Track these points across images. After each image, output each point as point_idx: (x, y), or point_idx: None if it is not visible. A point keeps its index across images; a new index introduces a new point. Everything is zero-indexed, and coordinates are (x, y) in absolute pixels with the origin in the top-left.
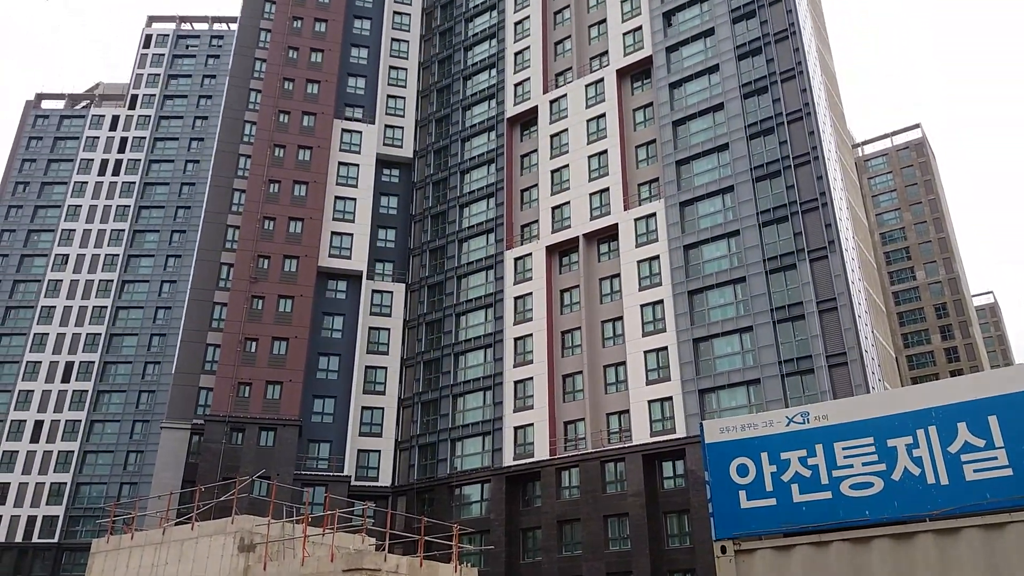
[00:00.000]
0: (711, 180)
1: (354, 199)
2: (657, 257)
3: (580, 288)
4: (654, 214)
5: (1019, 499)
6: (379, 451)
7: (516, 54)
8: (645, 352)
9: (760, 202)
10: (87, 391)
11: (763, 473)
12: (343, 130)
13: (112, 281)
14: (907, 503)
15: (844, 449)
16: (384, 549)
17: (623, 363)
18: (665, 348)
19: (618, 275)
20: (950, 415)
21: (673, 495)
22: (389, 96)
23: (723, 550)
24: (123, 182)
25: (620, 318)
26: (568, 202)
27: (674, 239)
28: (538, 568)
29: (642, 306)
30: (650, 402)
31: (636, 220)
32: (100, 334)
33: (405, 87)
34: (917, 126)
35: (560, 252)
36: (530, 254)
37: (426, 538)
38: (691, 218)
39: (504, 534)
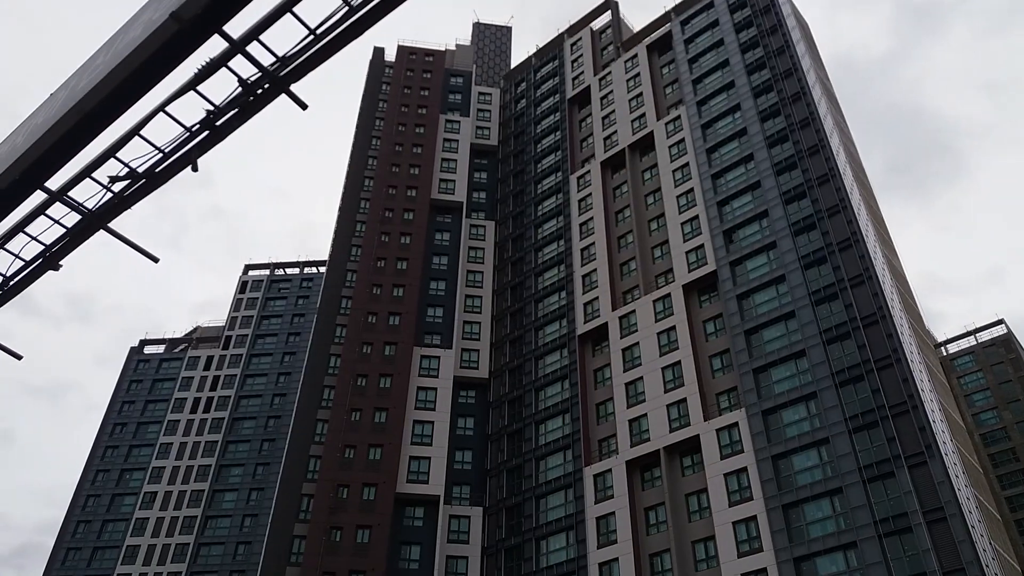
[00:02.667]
0: (792, 387)
1: (432, 422)
2: (744, 469)
3: (666, 505)
4: (736, 424)
5: None
6: None
7: (584, 276)
8: (743, 574)
9: (847, 407)
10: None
11: None
12: (422, 356)
13: (196, 517)
14: None
15: None
16: None
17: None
18: (764, 569)
19: (705, 490)
20: None
21: None
22: (465, 322)
23: None
24: (212, 418)
25: (712, 537)
26: (645, 414)
27: (760, 449)
28: None
29: (734, 523)
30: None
31: (718, 431)
32: (181, 573)
33: (480, 312)
34: (1001, 322)
35: (641, 467)
36: (610, 470)
37: None
38: (776, 427)
39: None
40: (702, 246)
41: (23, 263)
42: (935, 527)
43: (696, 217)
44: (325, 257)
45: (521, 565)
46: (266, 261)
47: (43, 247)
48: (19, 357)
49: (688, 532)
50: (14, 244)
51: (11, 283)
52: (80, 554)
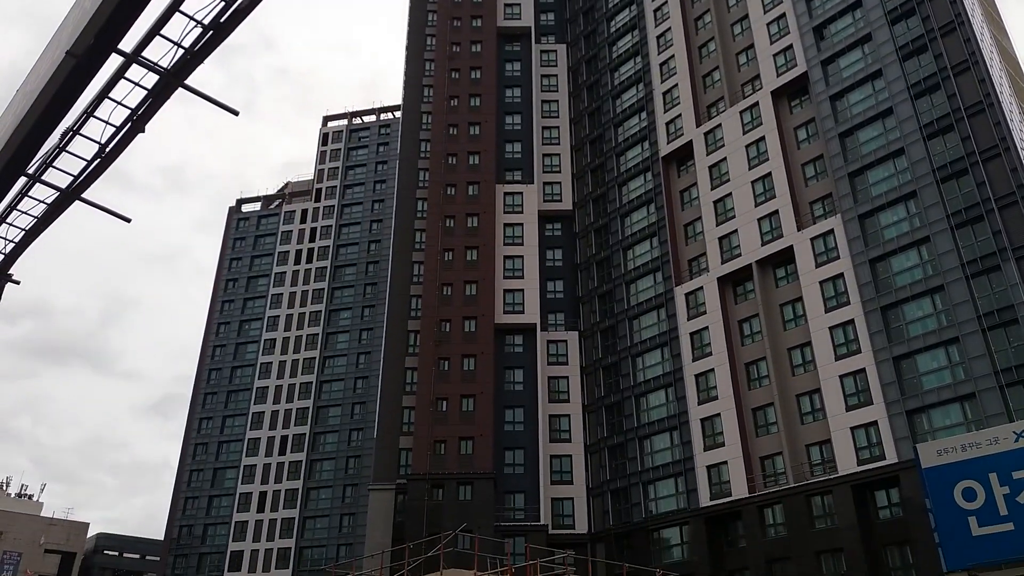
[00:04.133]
0: (890, 188)
1: (521, 256)
2: (841, 275)
3: (760, 317)
4: (831, 231)
5: None
6: (572, 498)
7: (664, 93)
8: (841, 376)
9: (949, 204)
10: (301, 461)
11: (994, 496)
12: (505, 193)
13: (314, 359)
14: None
15: None
16: None
17: (817, 390)
18: (863, 370)
19: (800, 299)
20: None
21: (891, 526)
22: (544, 155)
23: None
24: (316, 268)
25: (808, 343)
26: (735, 231)
27: (857, 254)
28: None
29: (831, 328)
30: (853, 429)
31: (812, 239)
32: (308, 408)
33: (559, 143)
34: None
35: (733, 282)
36: (701, 288)
37: None
38: (873, 230)
39: None
40: (790, 46)
41: (114, 128)
42: None
43: (783, 15)
44: (399, 101)
45: (619, 380)
46: (343, 111)
47: (129, 111)
48: (128, 220)
49: (783, 340)
50: (102, 112)
51: (107, 149)
52: (216, 398)
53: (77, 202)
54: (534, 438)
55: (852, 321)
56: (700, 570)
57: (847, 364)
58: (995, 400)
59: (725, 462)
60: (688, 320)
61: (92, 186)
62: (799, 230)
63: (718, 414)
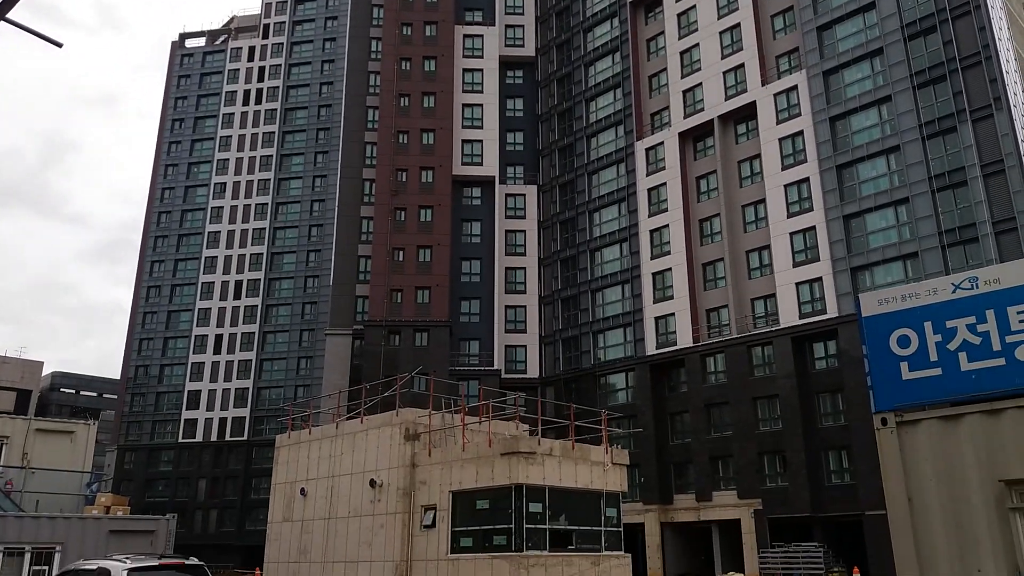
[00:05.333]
0: (857, 44)
1: (481, 105)
2: (801, 132)
3: (717, 173)
4: (795, 87)
5: None
6: (525, 346)
7: None
8: (791, 233)
9: (914, 62)
10: (256, 306)
11: (927, 343)
12: (464, 35)
13: (267, 204)
14: None
15: (1020, 313)
16: (537, 434)
17: (767, 247)
18: (813, 228)
19: (758, 156)
20: None
21: (825, 375)
22: None
23: (884, 422)
24: (266, 110)
25: (762, 200)
26: (700, 84)
27: (819, 111)
28: (687, 449)
29: (786, 186)
30: (798, 284)
31: (776, 95)
32: (262, 253)
33: None
34: None
35: (694, 138)
36: (662, 143)
37: (576, 423)
38: (836, 87)
39: (652, 418)
40: None
41: None
42: (992, 179)
43: None
44: None
45: (576, 235)
46: None
47: None
48: (59, 45)
49: (738, 197)
50: None
51: None
52: (167, 241)
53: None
54: (490, 289)
55: (807, 179)
56: (643, 412)
57: (798, 222)
58: (936, 259)
59: (673, 314)
60: (647, 176)
61: (15, 8)
62: (763, 85)
63: (669, 268)
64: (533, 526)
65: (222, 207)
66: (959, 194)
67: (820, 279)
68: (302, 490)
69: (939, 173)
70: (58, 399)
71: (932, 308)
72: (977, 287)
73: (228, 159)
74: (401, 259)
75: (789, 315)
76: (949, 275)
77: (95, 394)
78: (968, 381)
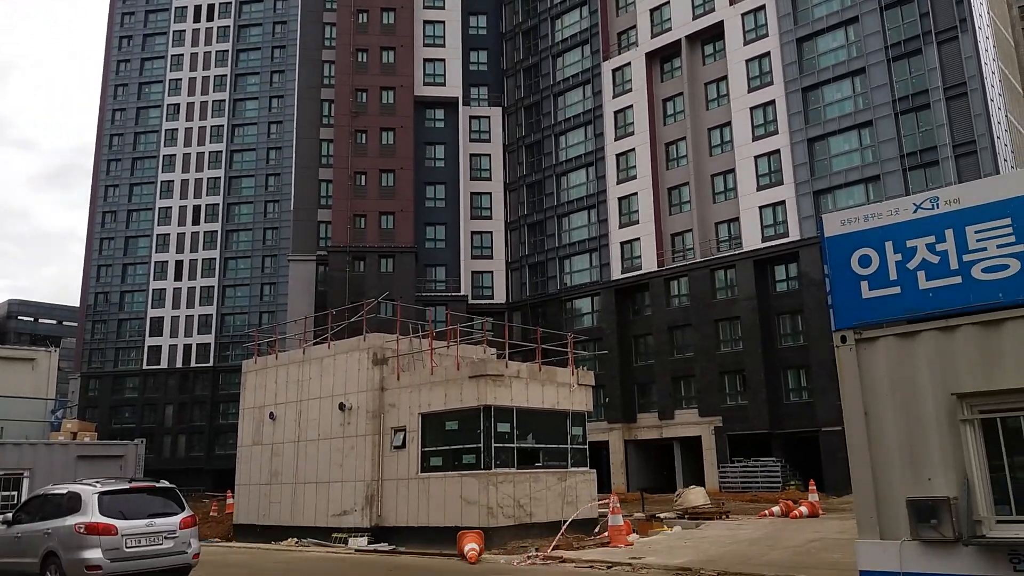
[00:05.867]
0: None
1: (443, 22)
2: (768, 54)
3: (684, 95)
4: (763, 6)
5: None
6: (491, 272)
7: None
8: (756, 157)
9: None
10: (216, 231)
11: (887, 262)
12: None
13: (223, 126)
14: None
15: (977, 232)
16: (504, 358)
17: (732, 170)
18: (777, 151)
19: (725, 77)
20: None
21: (785, 297)
22: None
23: (843, 339)
24: (219, 26)
25: (728, 123)
26: (667, 2)
27: (786, 32)
28: (650, 370)
29: (752, 108)
30: (761, 208)
31: (743, 15)
32: (219, 177)
33: None
34: None
35: (661, 59)
36: (629, 64)
37: (543, 346)
38: (804, 7)
39: (616, 341)
40: None
41: None
42: (954, 102)
43: None
44: None
45: (542, 159)
46: None
47: None
48: None
49: (705, 120)
50: None
51: None
52: (121, 165)
53: None
54: (456, 215)
55: (773, 102)
56: (608, 335)
57: (763, 145)
58: (898, 183)
59: (638, 238)
60: (613, 98)
61: None
62: (731, 4)
63: (635, 193)
64: (501, 445)
65: (176, 129)
66: (922, 117)
67: (783, 202)
68: (271, 414)
69: (903, 96)
70: (16, 327)
71: (893, 228)
72: (938, 207)
73: (180, 79)
74: (363, 183)
75: (752, 239)
76: (911, 196)
77: (54, 322)
78: (925, 299)
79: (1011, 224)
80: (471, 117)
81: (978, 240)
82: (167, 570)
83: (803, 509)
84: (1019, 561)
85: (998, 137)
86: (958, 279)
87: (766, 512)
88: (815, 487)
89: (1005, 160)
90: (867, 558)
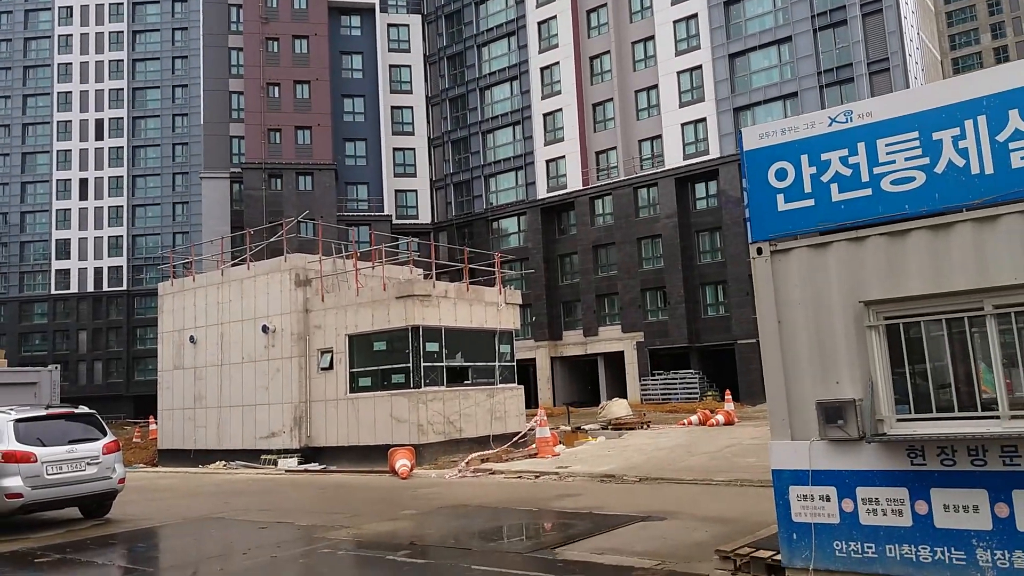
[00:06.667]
0: None
1: None
2: None
3: (608, 7)
4: None
5: None
6: (415, 190)
7: None
8: (678, 72)
9: None
10: (122, 147)
11: (802, 175)
12: None
13: (122, 32)
14: (948, 195)
15: (887, 145)
16: (432, 278)
17: (655, 86)
18: (699, 67)
19: None
20: (1002, 103)
21: (705, 215)
22: None
23: (759, 251)
24: None
25: (652, 37)
26: None
27: None
28: (576, 288)
29: (675, 22)
30: (683, 125)
31: None
32: (122, 89)
33: None
34: None
35: None
36: None
37: (470, 266)
38: None
39: (542, 260)
40: None
41: None
42: (870, 19)
43: None
44: None
45: (464, 72)
46: None
47: None
48: None
49: (629, 33)
50: None
51: None
52: (11, 74)
53: None
54: (376, 130)
55: (696, 15)
56: (534, 254)
57: (686, 60)
58: (814, 100)
59: (563, 156)
60: (537, 8)
61: None
62: None
63: (560, 109)
64: (430, 364)
65: (71, 35)
66: (839, 34)
67: (704, 119)
68: (191, 337)
69: (821, 12)
70: None
71: (809, 141)
72: (851, 121)
73: None
74: (277, 95)
75: (674, 156)
76: (827, 110)
77: None
78: (838, 211)
79: (918, 138)
80: (389, 25)
81: (888, 153)
82: (92, 496)
83: (720, 418)
84: (915, 455)
85: (910, 55)
86: (868, 191)
87: (685, 421)
88: (731, 397)
89: (916, 78)
90: (779, 458)
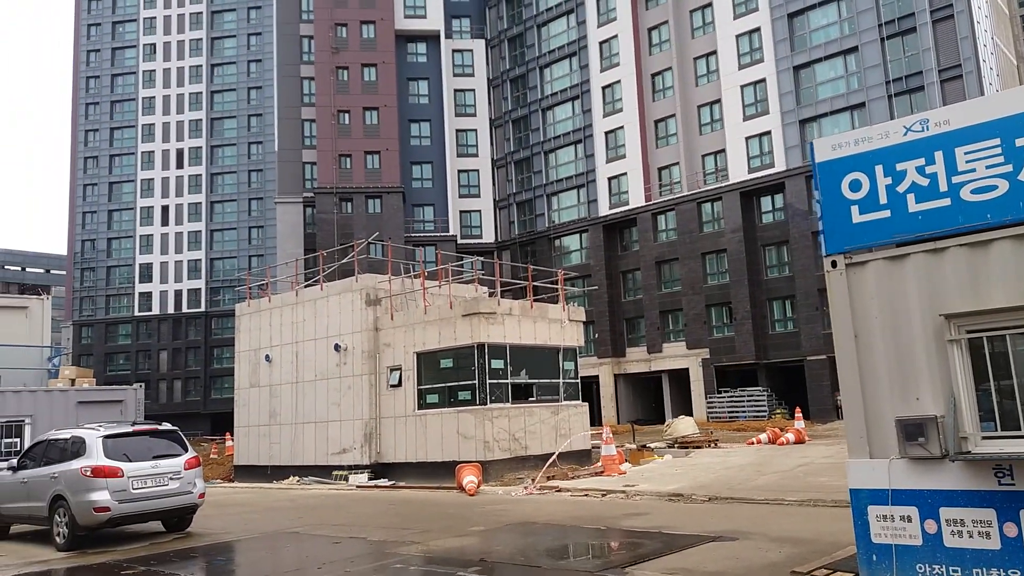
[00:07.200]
0: None
1: None
2: None
3: (669, 24)
4: None
5: None
6: (479, 211)
7: None
8: (742, 86)
9: None
10: (201, 175)
11: (877, 186)
12: None
13: (201, 66)
14: None
15: (966, 153)
16: (496, 295)
17: (718, 101)
18: (763, 80)
19: (710, 4)
20: None
21: (771, 228)
22: None
23: (833, 264)
24: None
25: (714, 52)
26: None
27: None
28: (639, 305)
29: (737, 36)
30: (747, 138)
31: None
32: (201, 120)
33: None
34: None
35: None
36: None
37: (534, 283)
38: None
39: (605, 276)
40: None
41: None
42: (940, 25)
43: None
44: None
45: (527, 93)
46: None
47: None
48: None
49: (690, 49)
50: None
51: None
52: (100, 108)
53: None
54: (441, 152)
55: (759, 29)
56: (596, 271)
57: (749, 74)
58: (883, 109)
59: (625, 173)
60: (598, 27)
61: None
62: None
63: (622, 126)
64: (496, 381)
65: (154, 70)
66: (908, 42)
67: (769, 132)
68: (267, 356)
69: (889, 20)
70: (4, 277)
71: (883, 151)
72: (928, 129)
73: (155, 16)
74: (347, 122)
75: (738, 170)
76: (901, 119)
77: (42, 270)
78: (915, 222)
79: (1000, 145)
80: (454, 51)
81: (967, 161)
82: (174, 510)
83: (790, 436)
84: (1003, 475)
85: (984, 60)
86: (947, 201)
87: (754, 440)
88: (801, 414)
89: (991, 84)
90: (857, 477)
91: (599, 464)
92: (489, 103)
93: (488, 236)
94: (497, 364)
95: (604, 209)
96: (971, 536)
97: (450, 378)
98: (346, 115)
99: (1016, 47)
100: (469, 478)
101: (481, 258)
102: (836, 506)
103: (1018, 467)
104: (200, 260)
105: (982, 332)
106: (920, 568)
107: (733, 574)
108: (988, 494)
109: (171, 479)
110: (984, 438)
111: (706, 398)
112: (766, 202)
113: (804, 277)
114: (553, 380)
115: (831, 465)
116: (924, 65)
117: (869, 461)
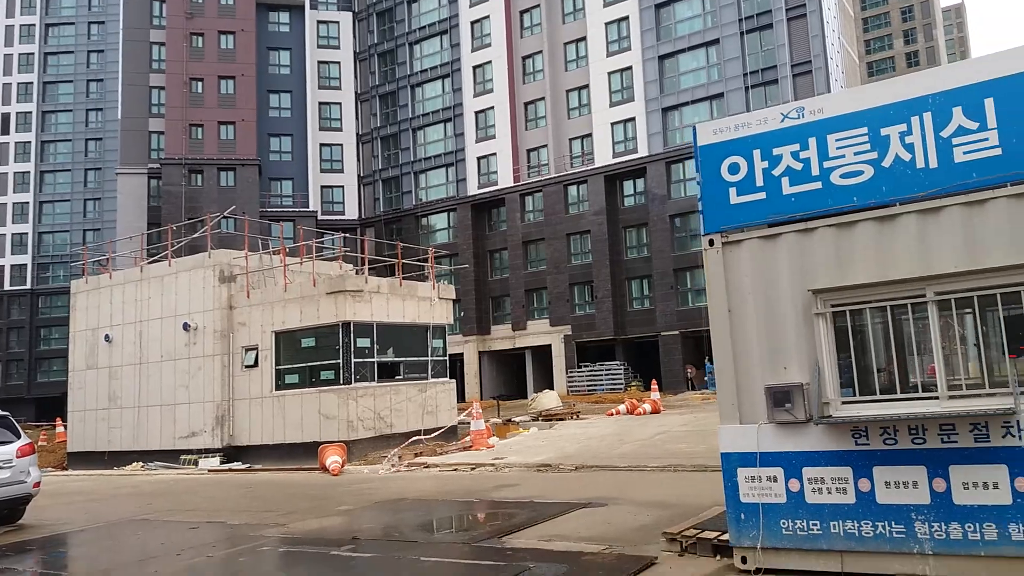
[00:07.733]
0: None
1: None
2: None
3: (541, 7)
4: None
5: (1003, 177)
6: (342, 186)
7: None
8: (609, 73)
9: None
10: (30, 142)
11: (754, 169)
12: None
13: (35, 25)
14: (894, 188)
15: (837, 140)
16: (363, 273)
17: (586, 86)
18: (630, 67)
19: None
20: (946, 101)
21: (633, 211)
22: None
23: (711, 243)
24: None
25: (584, 38)
26: None
27: None
28: (506, 283)
29: (607, 24)
30: (613, 124)
31: None
32: (32, 83)
33: None
34: None
35: None
36: None
37: (404, 261)
38: None
39: (472, 255)
40: None
41: None
42: (794, 23)
43: None
44: None
45: (396, 69)
46: None
47: None
48: None
49: (561, 34)
50: None
51: None
52: None
53: None
54: (303, 125)
55: (627, 18)
56: (463, 250)
57: (617, 61)
58: (739, 101)
59: (495, 153)
60: (470, 7)
61: None
62: None
63: (492, 107)
64: (361, 360)
65: None
66: (764, 37)
67: (633, 119)
68: (107, 336)
69: (749, 15)
70: None
71: (761, 137)
72: (803, 117)
73: None
74: (200, 91)
75: (603, 154)
76: (780, 106)
77: None
78: (788, 203)
79: (867, 133)
80: (319, 22)
81: (838, 148)
82: (5, 501)
83: (647, 407)
84: (859, 436)
85: (831, 58)
86: (819, 184)
87: (614, 411)
88: (657, 387)
89: (836, 80)
90: (728, 441)
91: (467, 439)
92: (355, 77)
93: (351, 213)
94: (363, 343)
95: (473, 188)
96: (830, 492)
97: (312, 357)
98: (199, 83)
99: (858, 47)
100: (333, 458)
101: (345, 234)
102: (696, 471)
103: (873, 428)
104: (26, 234)
105: (845, 306)
106: (784, 524)
107: (607, 538)
108: (845, 453)
109: (2, 468)
110: (844, 403)
111: (567, 373)
112: (628, 186)
113: (661, 258)
114: (421, 358)
115: (688, 432)
116: (779, 60)
117: (740, 427)
